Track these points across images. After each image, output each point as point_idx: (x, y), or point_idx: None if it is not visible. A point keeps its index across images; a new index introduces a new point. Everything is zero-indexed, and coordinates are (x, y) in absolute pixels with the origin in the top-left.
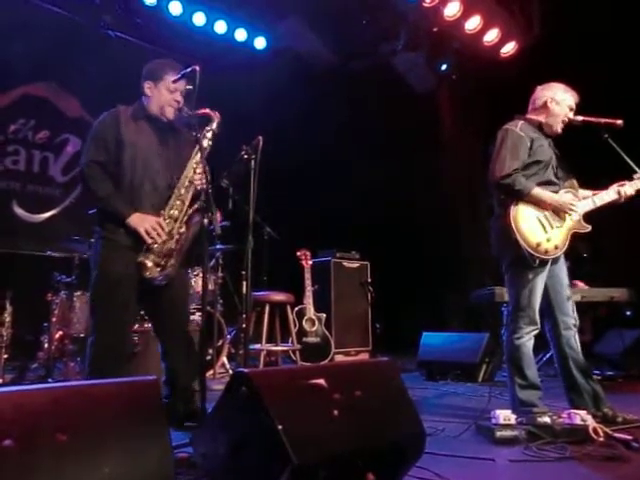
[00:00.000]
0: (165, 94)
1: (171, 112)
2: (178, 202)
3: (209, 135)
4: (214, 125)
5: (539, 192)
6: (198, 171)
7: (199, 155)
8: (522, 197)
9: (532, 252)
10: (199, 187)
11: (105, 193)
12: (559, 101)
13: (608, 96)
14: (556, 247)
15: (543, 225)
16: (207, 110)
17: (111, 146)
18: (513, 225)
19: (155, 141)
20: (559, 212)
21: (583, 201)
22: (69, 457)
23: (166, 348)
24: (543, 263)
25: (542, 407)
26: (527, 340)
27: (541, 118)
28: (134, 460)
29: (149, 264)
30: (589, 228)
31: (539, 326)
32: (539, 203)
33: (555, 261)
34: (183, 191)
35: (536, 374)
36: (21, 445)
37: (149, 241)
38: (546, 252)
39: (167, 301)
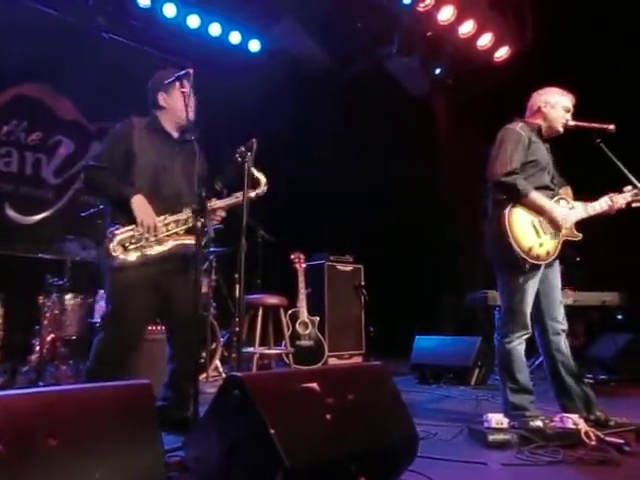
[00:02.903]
0: (181, 100)
1: (191, 113)
2: (174, 221)
3: (252, 195)
4: (260, 190)
5: (537, 197)
6: (216, 217)
7: (228, 202)
8: (520, 198)
9: (524, 256)
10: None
11: (108, 182)
12: (553, 104)
13: (601, 101)
14: (548, 253)
15: (537, 230)
16: (260, 176)
17: (119, 156)
18: (507, 228)
19: (164, 154)
20: (552, 221)
21: (575, 210)
22: (60, 462)
23: (175, 350)
24: (534, 268)
25: (534, 411)
26: (518, 344)
27: (539, 122)
28: (125, 464)
29: (113, 245)
30: (580, 236)
31: (530, 330)
32: (535, 208)
33: (548, 265)
34: (184, 217)
35: (528, 378)
36: (11, 450)
37: (140, 230)
38: (537, 257)
39: (180, 304)
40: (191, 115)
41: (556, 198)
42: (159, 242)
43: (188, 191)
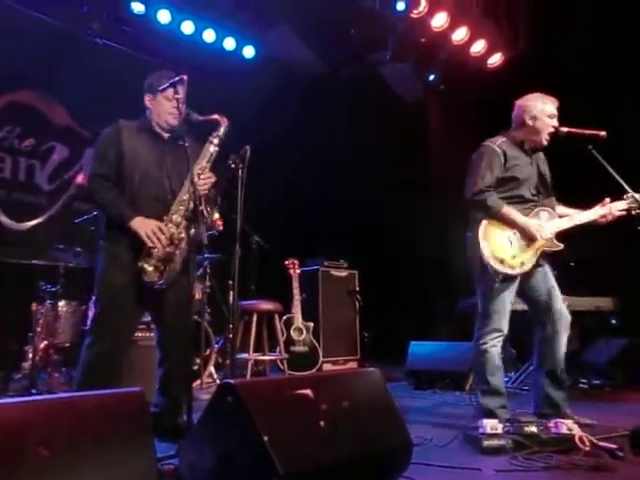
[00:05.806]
0: (164, 103)
1: (172, 119)
2: (181, 207)
3: (216, 141)
4: (221, 131)
5: (509, 211)
6: (202, 176)
7: (205, 160)
8: (493, 214)
9: (496, 268)
10: (202, 192)
11: (109, 200)
12: (537, 116)
13: (593, 108)
14: (522, 264)
15: (511, 242)
16: (216, 116)
17: (112, 159)
18: (481, 241)
19: (155, 153)
20: (526, 233)
21: (553, 222)
22: (51, 472)
23: (166, 354)
24: (508, 279)
25: (502, 414)
26: (490, 346)
27: (521, 135)
28: (118, 473)
29: (149, 269)
30: (561, 246)
31: (504, 332)
32: (508, 222)
33: (529, 275)
34: (186, 196)
35: (500, 380)
36: (1, 460)
37: (149, 244)
38: (511, 268)
39: (172, 307)
40: (172, 121)
41: (536, 210)
42: (173, 245)
43: (179, 192)
